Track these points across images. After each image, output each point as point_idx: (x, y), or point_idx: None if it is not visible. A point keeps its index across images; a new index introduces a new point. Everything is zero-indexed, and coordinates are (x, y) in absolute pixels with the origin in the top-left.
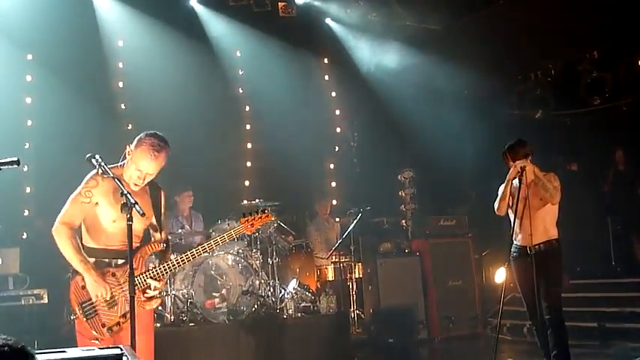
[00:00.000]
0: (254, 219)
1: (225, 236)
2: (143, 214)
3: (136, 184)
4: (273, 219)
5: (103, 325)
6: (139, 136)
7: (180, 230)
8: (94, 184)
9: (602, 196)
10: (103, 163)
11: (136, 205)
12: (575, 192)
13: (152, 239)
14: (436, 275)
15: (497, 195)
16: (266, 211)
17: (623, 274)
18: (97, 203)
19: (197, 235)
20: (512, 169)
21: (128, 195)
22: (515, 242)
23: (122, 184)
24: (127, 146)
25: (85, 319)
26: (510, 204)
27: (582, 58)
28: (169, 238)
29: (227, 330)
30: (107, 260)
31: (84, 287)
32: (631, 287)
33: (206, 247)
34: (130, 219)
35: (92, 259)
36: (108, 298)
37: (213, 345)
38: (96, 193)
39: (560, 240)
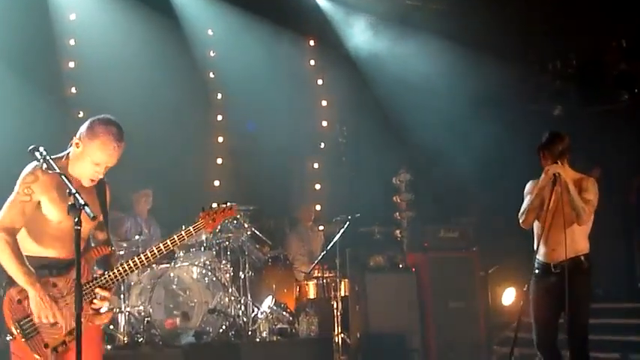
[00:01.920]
0: (215, 213)
1: (184, 234)
2: (94, 218)
3: (92, 180)
4: (237, 214)
5: (46, 346)
6: (88, 124)
7: (137, 237)
8: (33, 179)
9: (627, 207)
10: (48, 157)
11: (86, 207)
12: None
13: (95, 240)
14: (435, 295)
15: (524, 198)
16: (229, 204)
17: None
18: (38, 202)
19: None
20: (543, 175)
21: (77, 195)
22: (537, 257)
23: (69, 181)
24: (74, 137)
25: (24, 340)
26: (539, 214)
27: (608, 47)
28: (124, 244)
29: (190, 355)
30: (47, 269)
31: (20, 302)
32: None
33: (162, 248)
34: (79, 223)
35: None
36: (52, 319)
37: None
38: (36, 189)
39: (590, 257)
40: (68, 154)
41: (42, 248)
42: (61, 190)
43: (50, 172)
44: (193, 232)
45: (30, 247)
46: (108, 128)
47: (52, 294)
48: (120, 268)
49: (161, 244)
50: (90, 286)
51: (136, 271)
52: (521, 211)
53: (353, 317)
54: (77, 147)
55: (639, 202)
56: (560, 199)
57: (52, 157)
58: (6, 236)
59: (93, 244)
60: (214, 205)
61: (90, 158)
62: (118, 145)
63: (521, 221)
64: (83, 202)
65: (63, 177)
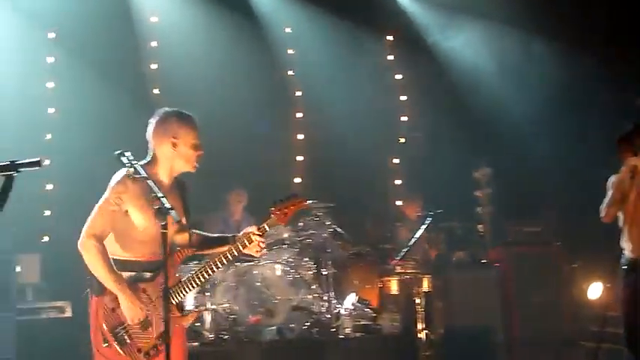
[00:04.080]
0: (286, 206)
1: (251, 235)
2: (178, 221)
3: (197, 164)
4: (309, 203)
5: (139, 351)
6: (165, 119)
7: None
8: (124, 189)
9: None
10: (135, 162)
11: (172, 211)
12: None
13: (175, 243)
14: (518, 291)
15: (607, 192)
16: (298, 196)
17: None
18: (126, 211)
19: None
20: (623, 167)
21: (164, 199)
22: (625, 252)
23: (137, 188)
24: (162, 141)
25: (119, 347)
26: (620, 208)
27: None
28: None
29: (274, 351)
30: (137, 274)
31: (114, 310)
32: None
33: (239, 247)
34: (166, 226)
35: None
36: (142, 319)
37: None
38: (126, 199)
39: None
40: (152, 160)
41: (128, 252)
42: (147, 197)
43: (137, 177)
44: (267, 228)
45: (116, 251)
46: (179, 112)
47: (143, 299)
48: (207, 268)
49: (238, 243)
50: (176, 289)
51: (221, 269)
52: (603, 205)
53: (436, 313)
54: (175, 146)
55: None
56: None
57: (139, 162)
58: (96, 243)
59: (178, 247)
60: (285, 198)
61: (190, 144)
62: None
63: (602, 215)
64: (169, 207)
65: (149, 182)
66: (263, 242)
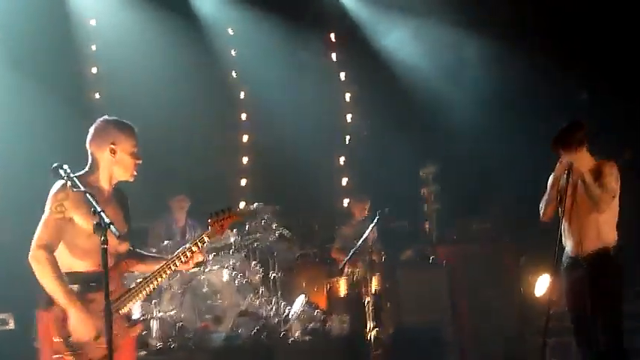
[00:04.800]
0: (223, 218)
1: (199, 243)
2: (119, 237)
3: (135, 173)
4: (239, 218)
5: None
6: (104, 127)
7: (166, 242)
8: (65, 196)
9: None
10: (72, 175)
11: (112, 226)
12: (630, 186)
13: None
14: (467, 287)
15: (545, 193)
16: (232, 209)
17: None
18: (70, 218)
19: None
20: (558, 165)
21: (102, 214)
22: (566, 249)
23: (94, 199)
24: (101, 147)
25: (71, 357)
26: (558, 204)
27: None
28: (153, 250)
29: (223, 357)
30: (82, 284)
31: (65, 320)
32: None
33: (180, 257)
34: (105, 242)
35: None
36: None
37: None
38: (68, 206)
39: (619, 247)
40: (92, 167)
41: (75, 260)
42: (89, 206)
43: (76, 190)
44: (206, 239)
45: (64, 261)
46: (117, 120)
47: (91, 309)
48: (150, 278)
49: (180, 254)
50: (123, 299)
51: (166, 277)
52: (541, 204)
53: (385, 313)
54: (114, 152)
55: None
56: (576, 188)
57: (75, 174)
58: (47, 254)
59: (121, 257)
60: (220, 211)
61: (128, 151)
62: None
63: (541, 214)
64: (109, 222)
65: (88, 195)
66: (202, 254)
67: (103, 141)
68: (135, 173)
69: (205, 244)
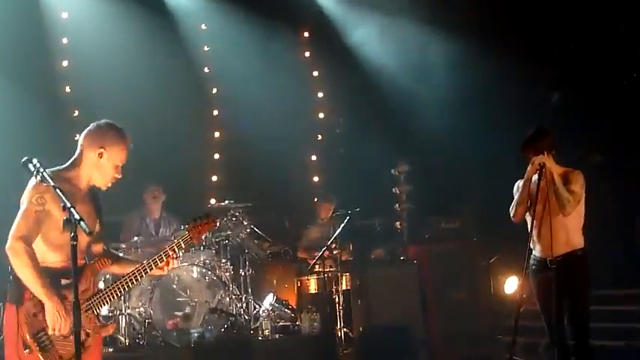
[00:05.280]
0: (200, 224)
1: (175, 247)
2: (90, 233)
3: (113, 182)
4: (217, 224)
5: (61, 358)
6: (104, 130)
7: (135, 238)
8: (45, 189)
9: (630, 193)
10: (42, 169)
11: (82, 223)
12: (599, 187)
13: (91, 253)
14: (437, 286)
15: (514, 196)
16: (211, 216)
17: None
18: (49, 211)
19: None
20: (529, 166)
21: (73, 209)
22: (533, 252)
23: (64, 194)
24: (91, 146)
25: (40, 353)
26: (528, 206)
27: (608, 32)
28: (123, 246)
29: (192, 355)
30: (56, 280)
31: (36, 315)
32: None
33: (156, 260)
34: (75, 238)
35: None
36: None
37: None
38: (48, 198)
39: (586, 250)
40: (75, 162)
41: (48, 254)
42: (68, 201)
43: (45, 185)
44: (183, 245)
45: (45, 259)
46: (120, 130)
47: (66, 306)
48: (122, 282)
49: (156, 259)
50: (96, 299)
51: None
52: (512, 205)
53: (355, 311)
54: (101, 156)
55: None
56: (547, 190)
57: (54, 168)
58: (25, 246)
59: (95, 257)
60: (220, 203)
61: (114, 162)
62: (129, 144)
63: (511, 215)
64: (79, 218)
65: (57, 190)
66: (174, 260)
67: (96, 141)
68: (109, 185)
69: (181, 250)
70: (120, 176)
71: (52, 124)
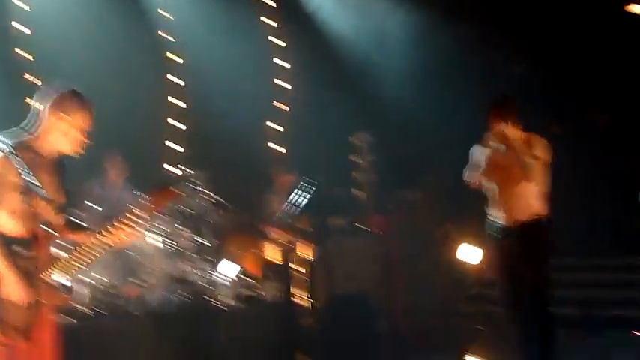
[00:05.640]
0: (162, 194)
1: (130, 219)
2: (48, 200)
3: (80, 149)
4: (177, 195)
5: (17, 330)
6: (64, 96)
7: (95, 206)
8: (3, 157)
9: (591, 164)
10: (3, 139)
11: (40, 190)
12: (560, 159)
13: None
14: (399, 257)
15: (470, 160)
16: (171, 186)
17: (612, 254)
18: (7, 179)
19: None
20: (491, 133)
21: (31, 177)
22: (495, 219)
23: (24, 162)
24: (55, 112)
25: None
26: (489, 174)
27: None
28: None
29: (154, 324)
30: (18, 250)
31: None
32: (621, 269)
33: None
34: (32, 205)
35: None
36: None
37: (136, 342)
38: (6, 166)
39: (549, 218)
40: (38, 130)
41: (9, 222)
42: (32, 169)
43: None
44: (144, 214)
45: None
46: (82, 95)
47: (20, 274)
48: (82, 250)
49: (116, 226)
50: (54, 268)
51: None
52: (467, 170)
53: (318, 281)
54: (65, 122)
55: (600, 158)
56: (508, 157)
57: (14, 133)
58: None
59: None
60: (179, 171)
61: (78, 128)
62: (92, 110)
63: (466, 178)
64: (37, 184)
65: (14, 157)
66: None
67: (59, 107)
68: (80, 150)
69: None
70: (88, 141)
71: (11, 90)
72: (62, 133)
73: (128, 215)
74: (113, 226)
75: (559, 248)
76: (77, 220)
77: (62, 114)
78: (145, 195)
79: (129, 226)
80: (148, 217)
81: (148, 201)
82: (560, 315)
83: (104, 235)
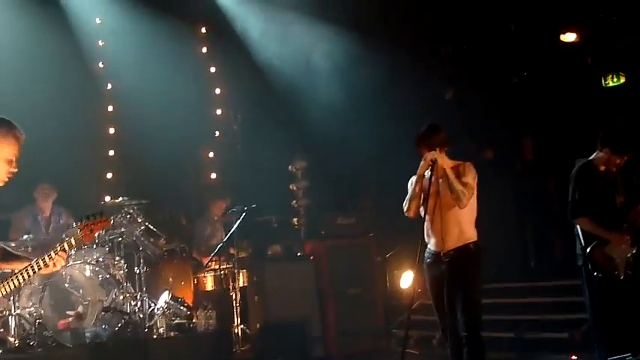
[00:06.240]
0: (93, 223)
1: (66, 245)
2: None
3: (8, 178)
4: (110, 223)
5: None
6: None
7: (25, 236)
8: None
9: (520, 192)
10: None
11: None
12: (491, 184)
13: None
14: (333, 282)
15: (408, 192)
16: (103, 214)
17: (542, 277)
18: None
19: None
20: (422, 162)
21: None
22: (428, 246)
23: None
24: None
25: None
26: (422, 201)
27: (499, 31)
28: (12, 244)
29: (85, 355)
30: None
31: None
32: (551, 292)
33: (46, 260)
34: None
35: None
36: None
37: None
38: None
39: (479, 244)
40: None
41: None
42: None
43: None
44: (74, 243)
45: None
46: (10, 123)
47: None
48: (10, 279)
49: (45, 257)
50: None
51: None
52: (405, 200)
53: (252, 308)
54: None
55: (526, 184)
56: (439, 184)
57: None
58: None
59: None
60: (114, 200)
61: (5, 156)
62: (21, 137)
63: (405, 210)
64: None
65: None
66: (65, 258)
67: None
68: (6, 179)
69: (72, 248)
70: (15, 170)
71: None
72: None
73: (62, 244)
74: (48, 255)
75: (489, 272)
76: (10, 249)
77: None
78: (77, 223)
79: (61, 256)
80: (80, 245)
81: (81, 229)
82: (491, 338)
83: (38, 265)
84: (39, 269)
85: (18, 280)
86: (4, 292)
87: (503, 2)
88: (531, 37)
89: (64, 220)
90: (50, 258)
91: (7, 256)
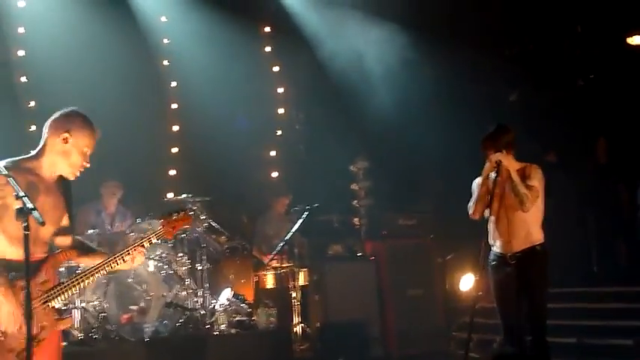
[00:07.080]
0: (176, 220)
1: (145, 244)
2: (42, 223)
3: (80, 172)
4: (191, 221)
5: (11, 351)
6: (68, 116)
7: (90, 231)
8: (5, 181)
9: (582, 194)
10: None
11: (35, 212)
12: (554, 187)
13: (57, 246)
14: (393, 283)
15: (472, 193)
16: (187, 211)
17: (606, 282)
18: (6, 202)
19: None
20: (487, 163)
21: (25, 198)
22: (493, 248)
23: (23, 184)
24: (57, 132)
25: None
26: (487, 203)
27: (564, 32)
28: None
29: (147, 350)
30: (12, 271)
31: None
32: (615, 298)
33: (112, 261)
34: (27, 227)
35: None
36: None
37: None
38: (8, 191)
39: (546, 246)
40: (40, 151)
41: (8, 247)
42: (30, 191)
43: (2, 173)
44: (156, 240)
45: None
46: (86, 116)
47: (21, 299)
48: (87, 273)
49: (126, 251)
50: (55, 292)
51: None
52: (470, 202)
53: (312, 307)
54: (66, 142)
55: (594, 187)
56: (505, 186)
57: (15, 158)
58: None
59: (58, 248)
60: (177, 197)
61: (80, 149)
62: (96, 130)
63: (470, 212)
64: (32, 207)
65: (10, 179)
66: (144, 255)
67: (61, 127)
68: (77, 174)
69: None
70: (88, 164)
71: (7, 113)
72: (60, 154)
73: (142, 241)
74: (127, 251)
75: (555, 276)
76: (88, 243)
77: (64, 134)
78: (157, 220)
79: (141, 253)
80: (159, 242)
81: (162, 225)
82: (553, 343)
83: (115, 260)
84: (118, 265)
85: (95, 275)
86: (82, 286)
87: (570, 4)
88: (598, 39)
89: (128, 219)
90: (128, 254)
91: (88, 250)
